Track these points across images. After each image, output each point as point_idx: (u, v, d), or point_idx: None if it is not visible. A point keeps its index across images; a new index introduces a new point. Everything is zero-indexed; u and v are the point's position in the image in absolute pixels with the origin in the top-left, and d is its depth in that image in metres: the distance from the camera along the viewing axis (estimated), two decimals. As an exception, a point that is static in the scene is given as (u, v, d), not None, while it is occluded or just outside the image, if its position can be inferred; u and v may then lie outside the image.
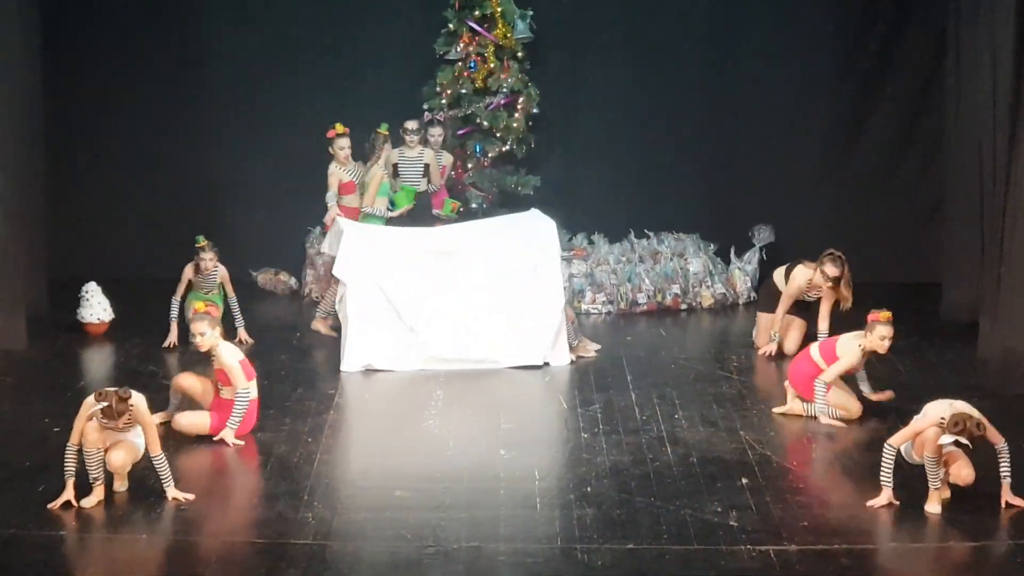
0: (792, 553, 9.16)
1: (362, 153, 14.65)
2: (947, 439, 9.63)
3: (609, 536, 9.41)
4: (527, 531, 9.50)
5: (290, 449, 11.00)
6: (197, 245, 13.63)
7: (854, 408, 11.64)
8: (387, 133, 14.66)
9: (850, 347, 11.57)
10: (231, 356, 11.27)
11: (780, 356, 13.39)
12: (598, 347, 13.57)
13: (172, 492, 9.92)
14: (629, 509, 9.86)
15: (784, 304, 13.38)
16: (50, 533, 9.40)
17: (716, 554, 9.14)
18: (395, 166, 14.63)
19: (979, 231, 13.42)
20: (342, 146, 14.33)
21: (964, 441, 9.61)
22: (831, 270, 13.06)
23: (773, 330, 13.51)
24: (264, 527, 9.51)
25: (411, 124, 14.71)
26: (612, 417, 11.79)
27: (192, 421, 11.21)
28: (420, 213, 14.58)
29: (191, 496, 9.90)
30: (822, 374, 11.59)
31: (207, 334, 11.21)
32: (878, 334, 11.42)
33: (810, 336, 13.11)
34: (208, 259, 13.61)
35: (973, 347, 13.11)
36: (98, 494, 9.88)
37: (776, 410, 11.79)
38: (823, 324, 13.08)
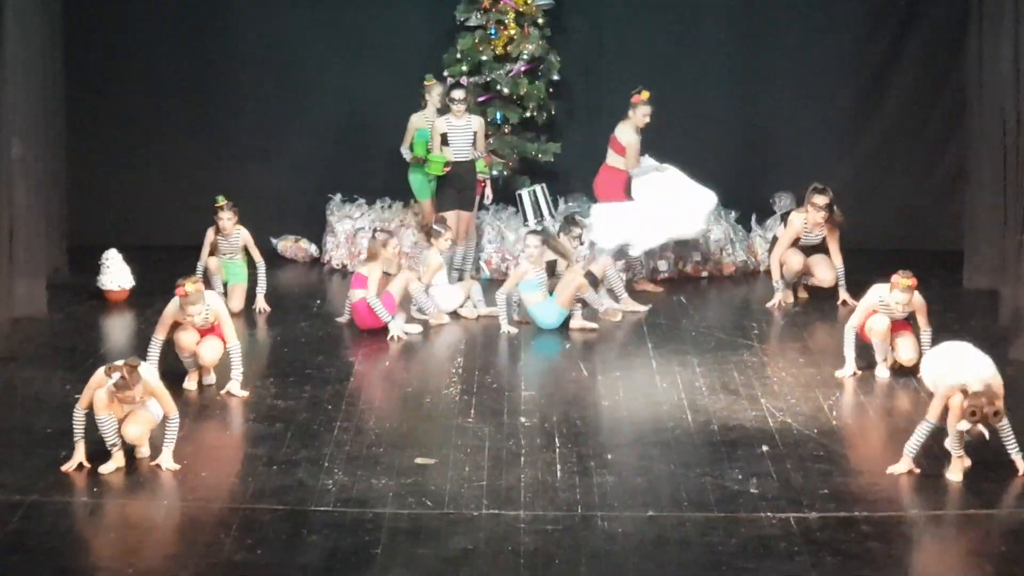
0: (813, 520, 9.15)
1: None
2: (964, 425, 9.62)
3: (630, 503, 9.42)
4: (548, 498, 9.50)
5: (311, 416, 11.02)
6: (216, 204, 13.63)
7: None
8: (432, 83, 14.87)
9: (874, 291, 11.78)
10: (226, 310, 11.61)
11: (810, 292, 14.21)
12: (643, 308, 13.78)
13: (166, 457, 9.96)
14: (650, 476, 9.87)
15: (780, 247, 13.96)
16: (71, 499, 9.44)
17: (736, 521, 9.14)
18: (443, 135, 14.44)
19: (1001, 198, 13.37)
20: (646, 112, 14.40)
21: (981, 429, 9.61)
22: (820, 199, 13.73)
23: (775, 279, 13.98)
24: (285, 493, 9.53)
25: (458, 93, 14.49)
26: (632, 384, 11.79)
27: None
28: (463, 182, 14.57)
29: (177, 467, 9.94)
30: (850, 320, 11.89)
31: (204, 309, 11.32)
32: (893, 298, 11.55)
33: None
34: (227, 218, 13.60)
35: (994, 314, 13.09)
36: (117, 460, 9.90)
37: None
38: (837, 260, 13.88)
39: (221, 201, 13.67)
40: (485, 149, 14.85)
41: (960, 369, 9.76)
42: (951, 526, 9.19)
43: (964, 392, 9.61)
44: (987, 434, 9.67)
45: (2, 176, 12.76)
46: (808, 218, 13.84)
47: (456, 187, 14.51)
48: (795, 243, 14.00)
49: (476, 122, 14.58)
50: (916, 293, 11.54)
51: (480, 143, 14.62)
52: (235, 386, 11.42)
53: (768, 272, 14.94)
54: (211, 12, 15.94)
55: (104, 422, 9.85)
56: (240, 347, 11.51)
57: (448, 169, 14.36)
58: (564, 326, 13.21)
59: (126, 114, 15.90)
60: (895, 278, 11.52)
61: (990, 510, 9.35)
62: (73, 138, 15.15)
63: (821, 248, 14.04)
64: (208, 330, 11.49)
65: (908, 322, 11.88)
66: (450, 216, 14.34)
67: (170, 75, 15.89)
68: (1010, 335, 12.38)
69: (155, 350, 11.39)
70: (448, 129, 14.45)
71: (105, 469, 9.84)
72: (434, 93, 14.83)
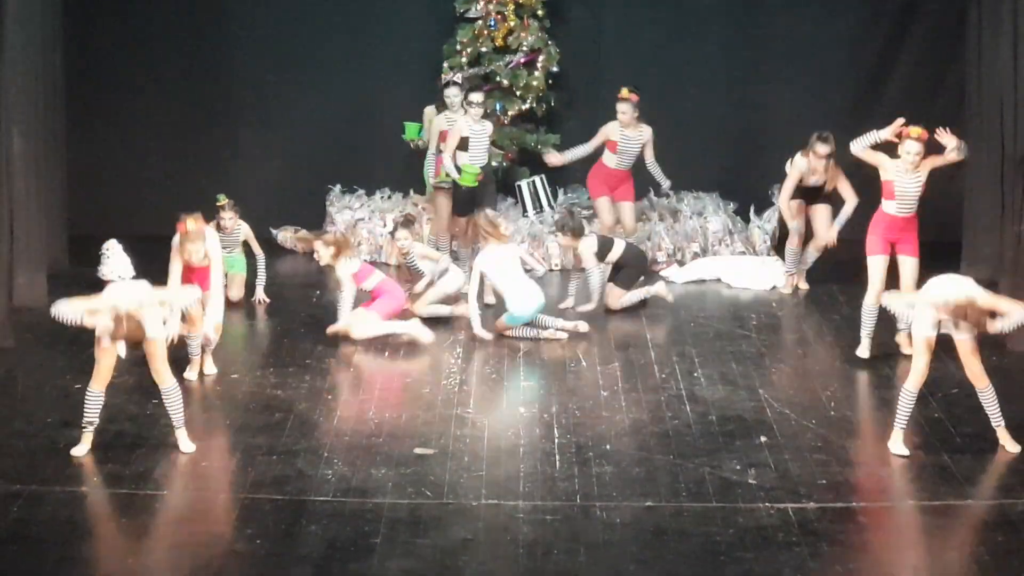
0: (810, 510, 9.18)
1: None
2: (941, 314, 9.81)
3: (628, 493, 9.44)
4: (546, 488, 9.53)
5: (310, 406, 11.05)
6: (218, 204, 13.64)
7: None
8: (449, 75, 14.93)
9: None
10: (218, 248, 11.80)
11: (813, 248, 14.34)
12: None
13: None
14: (648, 467, 9.89)
15: (787, 190, 14.08)
16: (72, 489, 9.46)
17: (734, 511, 9.17)
18: (466, 140, 14.14)
19: (999, 190, 13.38)
20: (620, 110, 14.56)
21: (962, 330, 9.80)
22: (822, 148, 13.87)
23: (787, 270, 14.26)
24: (284, 483, 9.56)
25: (476, 96, 14.17)
26: (631, 375, 11.82)
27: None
28: (481, 186, 14.25)
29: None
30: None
31: (202, 248, 11.49)
32: (905, 148, 11.76)
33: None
34: (228, 218, 13.63)
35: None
36: (86, 442, 9.98)
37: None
38: (850, 198, 14.00)
39: (222, 200, 13.66)
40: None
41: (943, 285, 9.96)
42: (948, 516, 9.20)
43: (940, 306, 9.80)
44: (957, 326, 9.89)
45: (2, 167, 12.77)
46: (810, 163, 13.92)
47: (471, 192, 14.18)
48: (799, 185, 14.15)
49: (489, 128, 14.35)
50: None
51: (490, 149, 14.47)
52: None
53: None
54: (210, 3, 15.94)
55: (93, 397, 9.91)
56: (222, 281, 11.81)
57: (481, 177, 14.07)
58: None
59: (126, 105, 15.90)
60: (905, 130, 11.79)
61: (987, 501, 9.38)
62: (73, 129, 15.15)
63: (822, 198, 14.14)
64: (202, 273, 11.59)
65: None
66: (464, 222, 14.21)
67: (170, 66, 15.88)
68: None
69: (175, 278, 11.53)
70: (471, 133, 14.13)
71: (77, 451, 9.92)
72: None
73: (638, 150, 14.73)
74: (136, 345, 9.92)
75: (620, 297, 13.53)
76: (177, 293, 10.31)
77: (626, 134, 14.59)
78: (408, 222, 13.72)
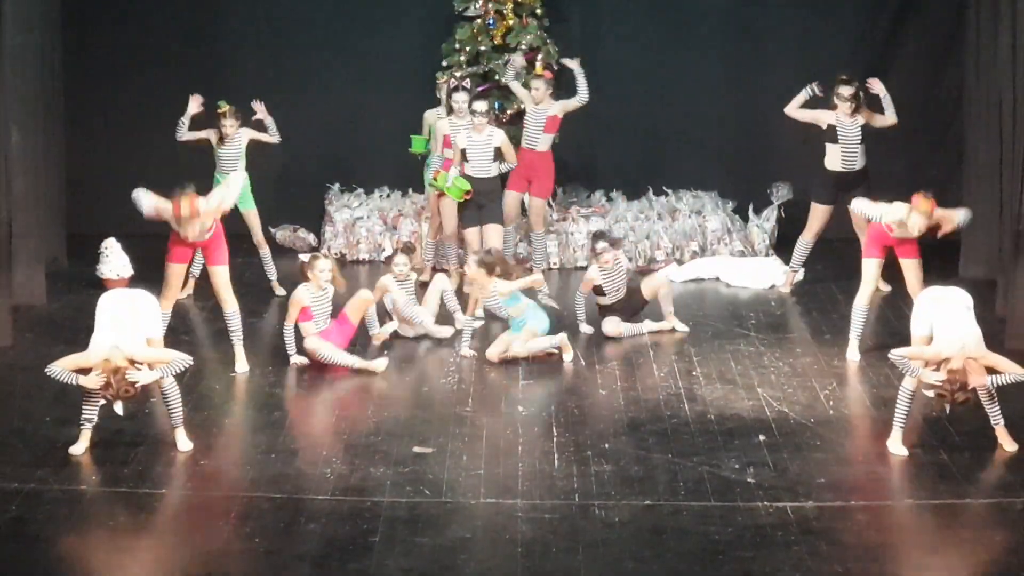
0: (809, 509, 9.18)
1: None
2: (928, 392, 9.76)
3: (627, 492, 9.44)
4: (545, 487, 9.53)
5: (309, 404, 11.04)
6: (218, 111, 13.38)
7: None
8: (444, 80, 14.96)
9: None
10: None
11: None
12: (685, 329, 13.15)
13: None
14: (647, 465, 9.89)
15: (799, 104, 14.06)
16: (71, 487, 9.46)
17: (733, 510, 9.17)
18: (463, 151, 13.80)
19: (998, 188, 13.39)
20: (537, 87, 14.40)
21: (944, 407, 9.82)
22: (846, 90, 13.77)
23: (791, 266, 14.27)
24: (283, 482, 9.56)
25: (480, 105, 13.81)
26: (630, 374, 11.81)
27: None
28: (485, 198, 13.85)
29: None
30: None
31: (197, 226, 11.65)
32: (911, 221, 11.76)
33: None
34: (229, 125, 13.40)
35: (991, 305, 13.09)
36: (84, 440, 9.98)
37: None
38: (891, 114, 13.93)
39: (223, 107, 13.49)
40: (516, 161, 14.21)
41: (951, 341, 9.84)
42: (947, 515, 9.20)
43: (940, 364, 9.74)
44: (947, 409, 9.85)
45: (1, 165, 12.77)
46: (838, 114, 13.85)
47: (477, 203, 13.84)
48: (831, 196, 13.97)
49: (498, 137, 13.85)
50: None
51: (509, 155, 13.95)
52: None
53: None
54: (210, 2, 15.94)
55: (91, 398, 9.90)
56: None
57: (469, 196, 13.71)
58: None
59: (125, 102, 15.89)
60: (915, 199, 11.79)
61: (987, 499, 9.38)
62: (72, 126, 15.16)
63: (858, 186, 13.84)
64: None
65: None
66: (471, 233, 13.87)
67: (169, 64, 15.86)
68: (1006, 325, 12.40)
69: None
70: (468, 144, 13.77)
71: (75, 450, 9.93)
72: (445, 91, 14.80)
73: (542, 125, 14.30)
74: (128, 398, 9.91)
75: (617, 326, 12.92)
76: (171, 357, 10.12)
77: (538, 108, 14.37)
78: (408, 249, 13.10)
